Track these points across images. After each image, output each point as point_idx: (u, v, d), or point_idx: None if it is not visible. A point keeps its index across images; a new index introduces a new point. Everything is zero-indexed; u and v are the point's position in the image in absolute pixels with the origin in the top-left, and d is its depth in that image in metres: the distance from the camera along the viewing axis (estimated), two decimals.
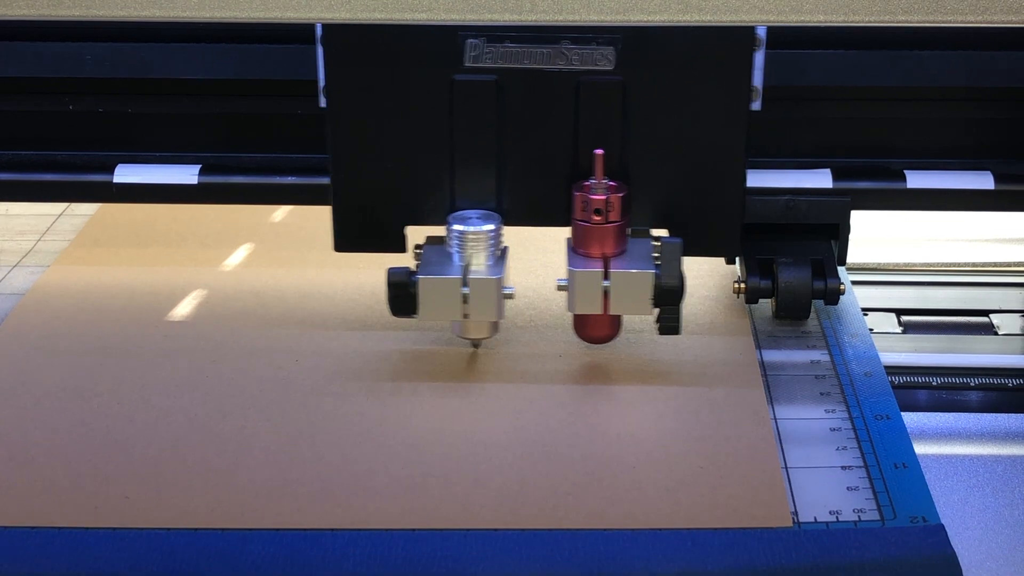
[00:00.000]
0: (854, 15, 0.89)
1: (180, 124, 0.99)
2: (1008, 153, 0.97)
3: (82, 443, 0.83)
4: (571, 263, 0.88)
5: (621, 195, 0.88)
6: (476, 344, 0.93)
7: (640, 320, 0.98)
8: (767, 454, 0.81)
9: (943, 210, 0.99)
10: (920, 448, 0.84)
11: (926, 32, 0.94)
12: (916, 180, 0.96)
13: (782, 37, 0.92)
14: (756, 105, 0.89)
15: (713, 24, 0.88)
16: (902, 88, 0.95)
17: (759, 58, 0.88)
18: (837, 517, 0.76)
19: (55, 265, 1.08)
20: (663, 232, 0.91)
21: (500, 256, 0.89)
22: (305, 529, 0.75)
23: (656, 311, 0.90)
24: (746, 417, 0.85)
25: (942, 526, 0.75)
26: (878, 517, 0.76)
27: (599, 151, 0.87)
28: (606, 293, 0.88)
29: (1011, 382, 0.98)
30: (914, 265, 1.19)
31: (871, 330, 0.99)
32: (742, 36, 0.87)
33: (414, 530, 0.75)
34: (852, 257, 0.98)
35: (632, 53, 0.87)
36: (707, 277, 1.04)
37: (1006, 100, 0.96)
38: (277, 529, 0.75)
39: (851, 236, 0.97)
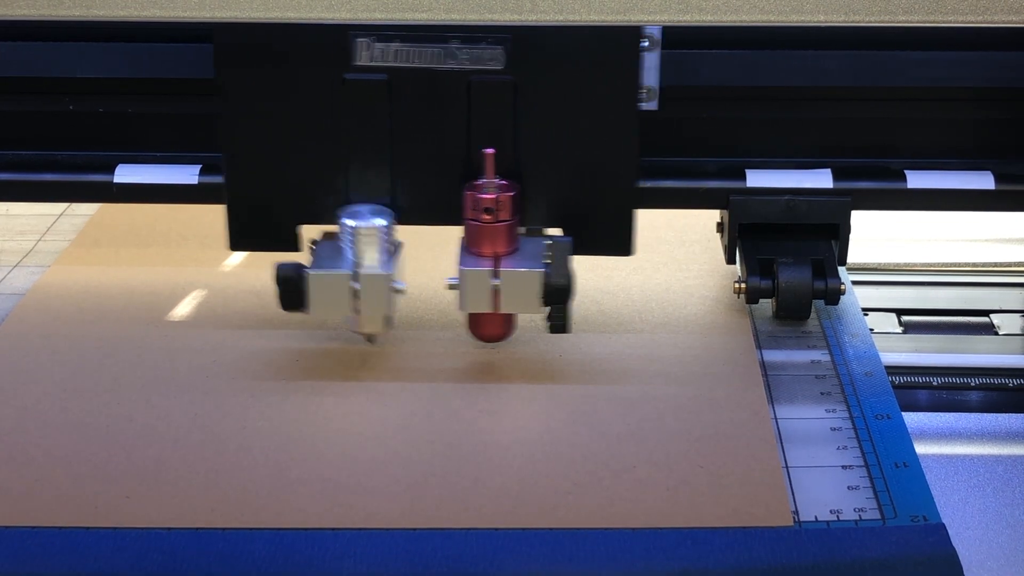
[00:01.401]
0: (854, 15, 0.89)
1: (180, 124, 0.99)
2: (1008, 153, 0.97)
3: (82, 443, 0.83)
4: (462, 262, 0.89)
5: (511, 194, 0.88)
6: (370, 339, 0.93)
7: (640, 320, 0.98)
8: (767, 454, 0.81)
9: (943, 210, 0.99)
10: (921, 448, 0.84)
11: (926, 32, 0.94)
12: (916, 180, 0.96)
13: (780, 38, 0.93)
14: (652, 105, 0.89)
15: (691, 24, 0.89)
16: (903, 88, 0.95)
17: (653, 58, 0.88)
18: (838, 516, 0.76)
19: (55, 265, 1.08)
20: (557, 231, 0.92)
21: (393, 252, 0.90)
22: (305, 529, 0.75)
23: (546, 310, 0.90)
24: (746, 417, 0.85)
25: (943, 525, 0.75)
26: (879, 516, 0.76)
27: (489, 150, 0.87)
28: (496, 292, 0.88)
29: (1011, 382, 0.98)
30: (914, 265, 1.19)
31: (871, 330, 0.99)
32: (629, 36, 0.88)
33: (414, 530, 0.75)
34: (852, 257, 0.98)
35: (522, 53, 0.88)
36: (707, 277, 1.04)
37: (1006, 100, 0.96)
38: (277, 529, 0.75)
39: (851, 236, 0.97)
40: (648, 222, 1.14)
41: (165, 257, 1.09)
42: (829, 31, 0.93)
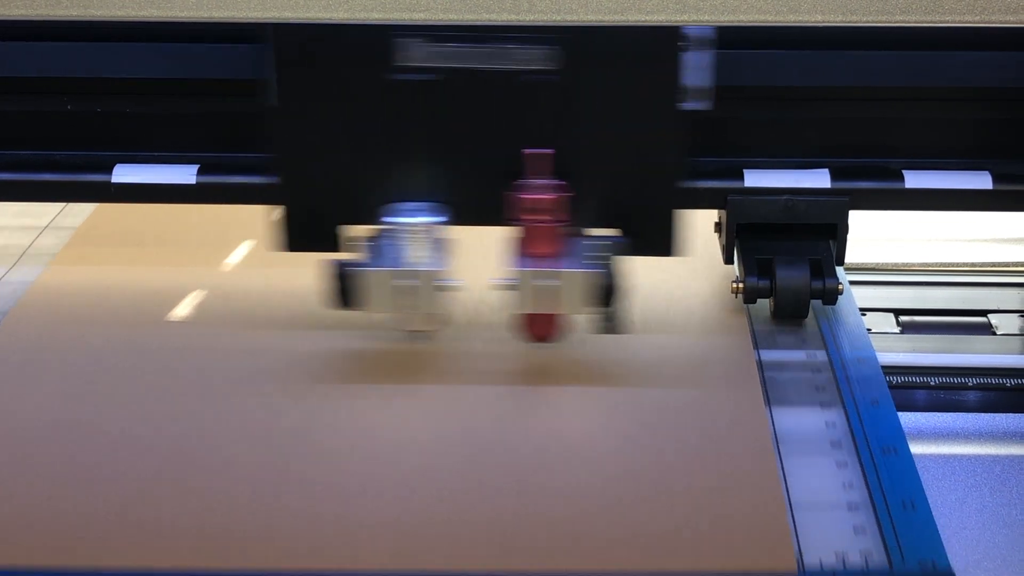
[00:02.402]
0: (853, 15, 0.89)
1: (178, 124, 0.99)
2: (1007, 153, 0.97)
3: (72, 461, 0.82)
4: (512, 263, 0.89)
5: (561, 195, 0.88)
6: (419, 338, 0.93)
7: (637, 320, 0.98)
8: (772, 493, 0.78)
9: (942, 210, 0.99)
10: (918, 448, 0.84)
11: (925, 32, 0.94)
12: (915, 180, 0.96)
13: (778, 38, 0.92)
14: (705, 105, 0.89)
15: (705, 23, 0.88)
16: (902, 88, 0.95)
17: (701, 58, 0.88)
18: (844, 562, 0.74)
19: (53, 265, 1.08)
20: (604, 231, 0.91)
21: (442, 249, 0.90)
22: (291, 571, 0.73)
23: (596, 310, 0.90)
24: (748, 446, 0.82)
25: (951, 571, 0.72)
26: (886, 561, 0.74)
27: (539, 151, 0.87)
28: (547, 293, 0.88)
29: (1009, 382, 0.98)
30: (912, 265, 1.19)
31: (869, 330, 0.99)
32: (669, 36, 0.88)
33: (403, 572, 0.73)
34: (850, 257, 0.98)
35: (571, 53, 0.88)
36: (704, 277, 1.04)
37: (1006, 100, 0.96)
38: (261, 571, 0.73)
39: (849, 236, 0.97)
40: None
41: (164, 257, 1.09)
42: (827, 31, 0.93)
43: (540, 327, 0.92)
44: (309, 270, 1.06)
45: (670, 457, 0.82)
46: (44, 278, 1.05)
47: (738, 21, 0.90)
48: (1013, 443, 0.92)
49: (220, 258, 1.08)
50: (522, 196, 0.89)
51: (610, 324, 0.90)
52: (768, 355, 0.94)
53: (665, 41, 0.88)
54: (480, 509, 0.78)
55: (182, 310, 1.00)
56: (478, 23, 0.89)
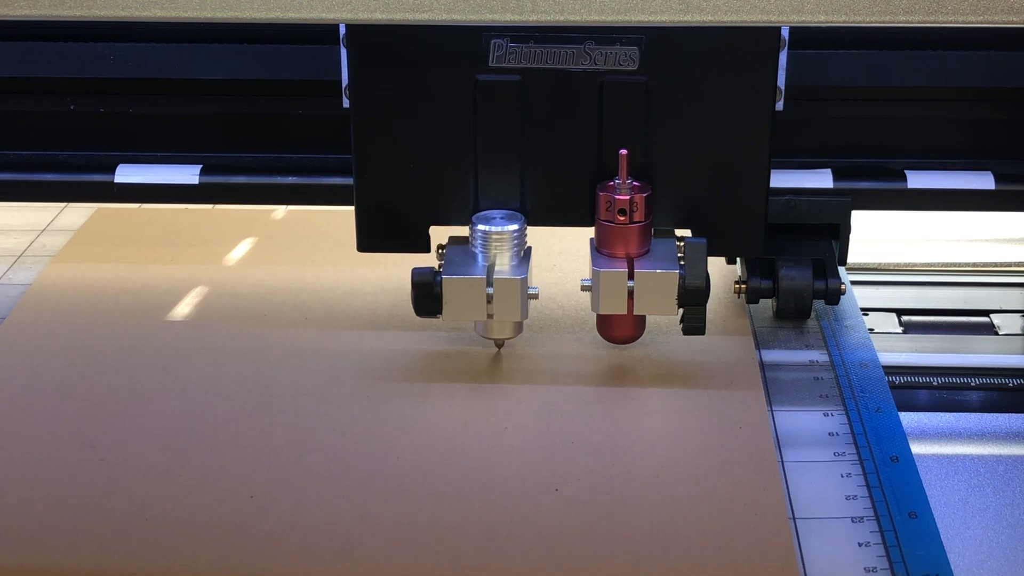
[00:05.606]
0: (855, 15, 0.89)
1: (181, 124, 0.99)
2: (1009, 153, 0.97)
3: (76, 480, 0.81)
4: (595, 263, 0.88)
5: (645, 195, 0.88)
6: (499, 344, 0.93)
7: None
8: (778, 520, 0.77)
9: (944, 210, 0.99)
10: (920, 448, 0.84)
11: (926, 32, 0.94)
12: (917, 180, 0.96)
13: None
14: (779, 105, 0.89)
15: (715, 24, 0.88)
16: (903, 88, 0.95)
17: (782, 58, 0.88)
18: None
19: (53, 263, 1.08)
20: (686, 232, 0.91)
21: (524, 256, 0.89)
22: None
23: (680, 311, 0.89)
24: (753, 465, 0.82)
25: None
26: None
27: (623, 151, 0.87)
28: (630, 293, 0.88)
29: (1011, 382, 0.98)
30: (914, 265, 1.19)
31: (871, 330, 0.99)
32: (768, 36, 0.87)
33: None
34: (852, 257, 0.98)
35: (656, 53, 0.88)
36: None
37: (1006, 100, 0.96)
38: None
39: (851, 236, 0.97)
40: None
41: (165, 255, 1.09)
42: (829, 31, 0.93)
43: (620, 328, 0.92)
44: (313, 269, 1.06)
45: (670, 456, 0.82)
46: (45, 277, 1.05)
47: (741, 22, 0.90)
48: (1015, 443, 0.92)
49: (219, 256, 1.08)
50: (605, 196, 0.88)
51: (693, 325, 0.90)
52: (770, 355, 0.94)
53: (767, 42, 0.87)
54: (489, 523, 0.77)
55: (182, 309, 1.00)
56: (566, 23, 0.88)
